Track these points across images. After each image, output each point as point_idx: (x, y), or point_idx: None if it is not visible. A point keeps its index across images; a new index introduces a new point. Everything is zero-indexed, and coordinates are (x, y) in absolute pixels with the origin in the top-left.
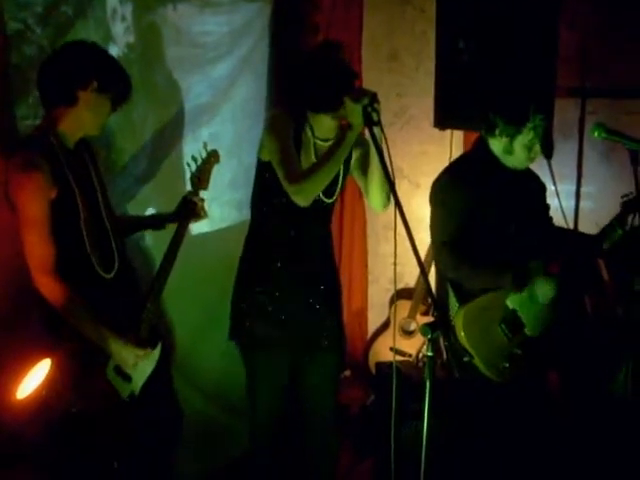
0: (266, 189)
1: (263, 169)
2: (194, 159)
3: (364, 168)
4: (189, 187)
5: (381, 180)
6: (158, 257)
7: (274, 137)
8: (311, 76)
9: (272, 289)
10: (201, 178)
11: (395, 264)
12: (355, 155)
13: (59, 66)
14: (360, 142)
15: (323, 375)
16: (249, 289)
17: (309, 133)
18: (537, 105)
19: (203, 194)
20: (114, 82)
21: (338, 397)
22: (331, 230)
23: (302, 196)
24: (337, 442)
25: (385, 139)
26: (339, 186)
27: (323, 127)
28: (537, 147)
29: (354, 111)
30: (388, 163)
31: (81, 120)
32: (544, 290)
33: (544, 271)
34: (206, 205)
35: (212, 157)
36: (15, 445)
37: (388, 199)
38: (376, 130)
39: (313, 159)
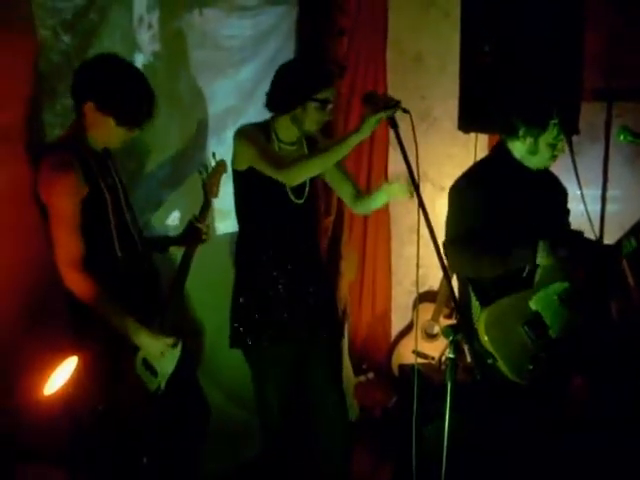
0: (246, 197)
1: (240, 179)
2: (205, 168)
3: (343, 177)
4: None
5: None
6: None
7: (249, 142)
8: (276, 77)
9: (264, 292)
10: (211, 187)
11: (417, 266)
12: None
13: (75, 78)
14: None
15: (325, 371)
16: (244, 295)
17: (273, 137)
18: (558, 104)
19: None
20: (113, 105)
21: (342, 390)
22: (316, 231)
23: (291, 177)
24: (347, 440)
25: (416, 143)
26: (307, 189)
27: (285, 131)
28: (561, 144)
29: (367, 120)
30: (414, 166)
31: (94, 132)
32: (545, 252)
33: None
34: (211, 226)
35: (220, 166)
36: (43, 441)
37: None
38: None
39: None
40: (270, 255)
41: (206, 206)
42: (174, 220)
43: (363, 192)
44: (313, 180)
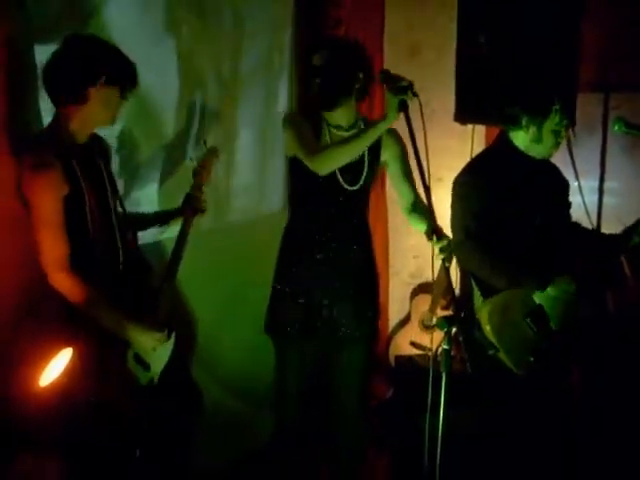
0: (297, 184)
1: (291, 166)
2: (196, 155)
3: (402, 175)
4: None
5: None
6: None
7: (290, 129)
8: (315, 76)
9: (303, 279)
10: (202, 174)
11: (433, 258)
12: (389, 156)
13: (66, 65)
14: (395, 146)
15: (349, 367)
16: (282, 280)
17: (324, 123)
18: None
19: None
20: (121, 72)
21: (364, 390)
22: (366, 221)
23: (320, 165)
24: (363, 436)
25: (424, 124)
26: (363, 175)
27: (334, 116)
28: (564, 130)
29: (390, 103)
30: (424, 156)
31: (93, 115)
32: (563, 288)
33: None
34: (208, 198)
35: (212, 154)
36: (38, 432)
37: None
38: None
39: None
40: (313, 244)
41: (197, 187)
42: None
43: (420, 204)
44: (373, 167)
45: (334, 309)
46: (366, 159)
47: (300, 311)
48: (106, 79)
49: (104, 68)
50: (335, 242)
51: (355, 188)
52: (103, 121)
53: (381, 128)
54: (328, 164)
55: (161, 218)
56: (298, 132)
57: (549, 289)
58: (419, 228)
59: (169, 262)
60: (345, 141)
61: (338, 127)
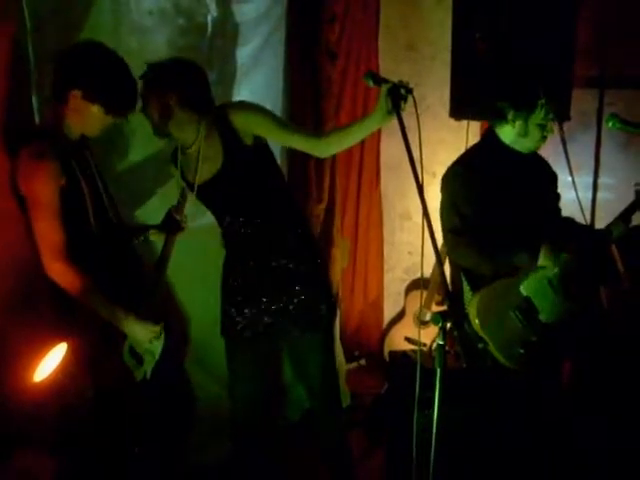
0: None
1: None
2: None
3: (281, 128)
4: None
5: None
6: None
7: None
8: None
9: (241, 283)
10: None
11: (422, 253)
12: (252, 128)
13: (58, 65)
14: (245, 115)
15: (310, 356)
16: (226, 284)
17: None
18: (543, 85)
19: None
20: (101, 94)
21: (331, 374)
22: (293, 217)
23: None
24: (337, 420)
25: (418, 121)
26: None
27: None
28: (550, 124)
29: (381, 104)
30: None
31: (75, 121)
32: (550, 259)
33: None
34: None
35: None
36: (33, 428)
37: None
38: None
39: None
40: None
41: (183, 198)
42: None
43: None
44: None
45: (279, 316)
46: (200, 155)
47: (247, 320)
48: (82, 94)
49: (81, 83)
50: (258, 242)
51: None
52: (85, 130)
53: (371, 127)
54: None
55: (142, 231)
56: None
57: (542, 260)
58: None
59: (151, 281)
60: (347, 128)
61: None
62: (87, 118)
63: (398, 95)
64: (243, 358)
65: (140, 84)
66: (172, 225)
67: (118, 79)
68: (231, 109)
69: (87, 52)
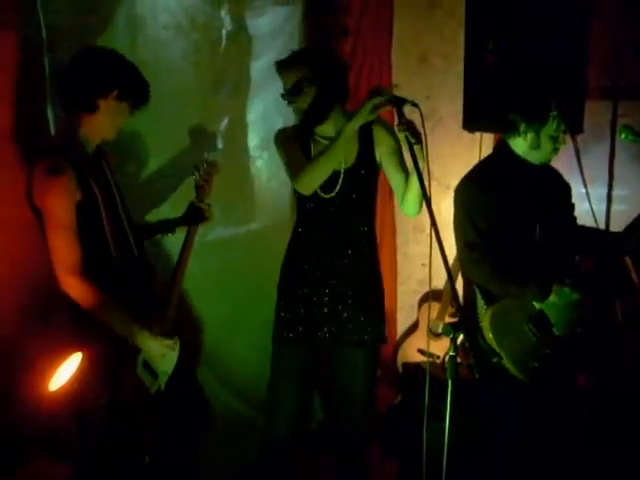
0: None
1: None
2: (197, 169)
3: (397, 168)
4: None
5: (418, 190)
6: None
7: (279, 149)
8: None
9: (297, 288)
10: (204, 187)
11: (430, 266)
12: (383, 151)
13: (80, 74)
14: (389, 140)
15: (350, 371)
16: (281, 289)
17: (314, 136)
18: (556, 97)
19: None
20: (134, 89)
21: (368, 395)
22: (366, 229)
23: (301, 186)
24: (365, 437)
25: (425, 136)
26: (339, 182)
27: (322, 127)
28: (562, 136)
29: (363, 106)
30: (425, 171)
31: (100, 126)
32: (565, 297)
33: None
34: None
35: (212, 168)
36: (48, 436)
37: (421, 207)
38: (416, 148)
39: None
40: (298, 249)
41: (202, 187)
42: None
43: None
44: (352, 173)
45: (335, 317)
46: (342, 167)
47: (301, 321)
48: (118, 94)
49: (117, 83)
50: (329, 254)
51: (331, 195)
52: (107, 132)
53: (349, 129)
54: (308, 183)
55: (165, 226)
56: (286, 152)
57: (552, 298)
58: (411, 206)
59: (174, 271)
60: (318, 155)
61: (327, 138)
62: (115, 119)
63: (412, 130)
64: (290, 355)
65: None
66: (196, 215)
67: (139, 73)
68: (378, 123)
69: (104, 55)
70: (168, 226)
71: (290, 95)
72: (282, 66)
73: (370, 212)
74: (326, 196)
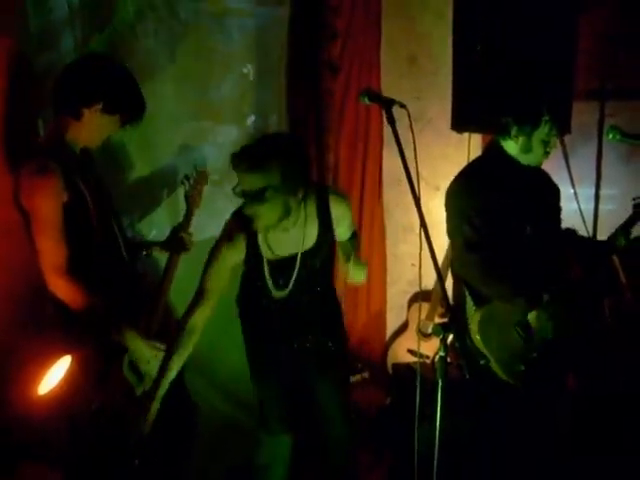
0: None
1: None
2: (187, 178)
3: (346, 243)
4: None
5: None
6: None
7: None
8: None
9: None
10: (194, 197)
11: (420, 266)
12: (340, 232)
13: (71, 79)
14: (345, 220)
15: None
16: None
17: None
18: (548, 101)
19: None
20: (123, 105)
21: (345, 396)
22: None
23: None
24: (347, 441)
25: (414, 138)
26: (294, 272)
27: None
28: (554, 140)
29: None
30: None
31: (84, 133)
32: (551, 311)
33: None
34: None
35: (202, 178)
36: (39, 440)
37: (364, 275)
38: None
39: None
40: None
41: (188, 216)
42: (159, 230)
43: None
44: (310, 254)
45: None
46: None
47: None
48: (103, 106)
49: (102, 96)
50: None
51: (283, 295)
52: (91, 141)
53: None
54: None
55: (146, 247)
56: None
57: (539, 312)
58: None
59: (153, 297)
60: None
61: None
62: (100, 130)
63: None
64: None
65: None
66: (177, 244)
67: (134, 90)
68: (334, 196)
69: (99, 65)
70: (147, 247)
71: (250, 199)
72: (246, 167)
73: (327, 276)
74: (278, 295)
